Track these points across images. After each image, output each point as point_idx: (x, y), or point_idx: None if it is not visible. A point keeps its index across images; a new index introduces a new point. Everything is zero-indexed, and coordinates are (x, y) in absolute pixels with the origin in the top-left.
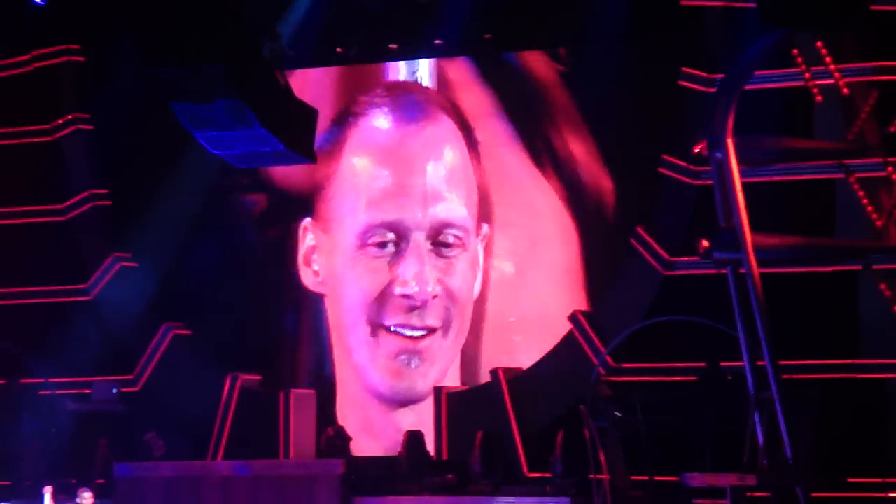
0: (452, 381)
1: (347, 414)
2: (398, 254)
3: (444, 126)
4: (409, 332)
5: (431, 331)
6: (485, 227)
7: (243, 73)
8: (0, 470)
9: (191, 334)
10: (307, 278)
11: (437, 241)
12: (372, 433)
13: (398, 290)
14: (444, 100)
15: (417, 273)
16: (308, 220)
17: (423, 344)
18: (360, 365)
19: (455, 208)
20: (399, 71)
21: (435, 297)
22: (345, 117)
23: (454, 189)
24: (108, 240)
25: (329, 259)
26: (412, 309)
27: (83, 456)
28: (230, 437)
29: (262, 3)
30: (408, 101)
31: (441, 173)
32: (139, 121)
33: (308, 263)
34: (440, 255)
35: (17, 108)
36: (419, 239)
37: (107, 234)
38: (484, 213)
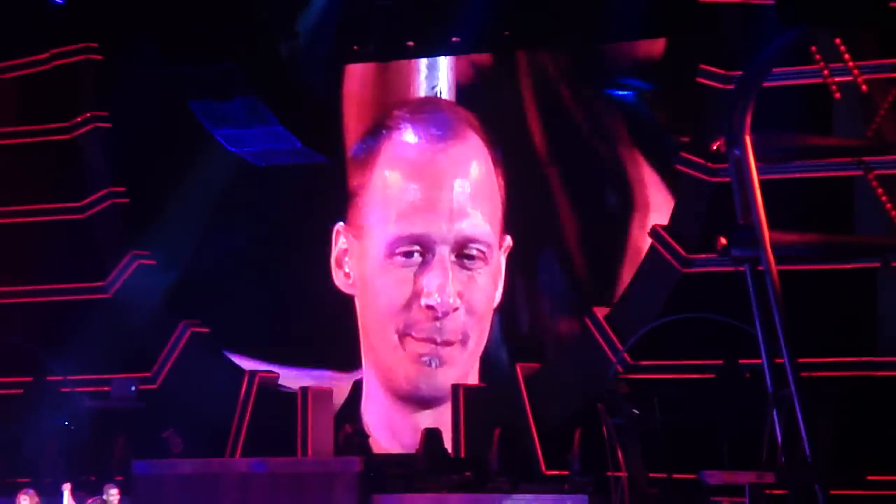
0: (472, 380)
1: (373, 415)
2: (424, 265)
3: (472, 143)
4: (430, 347)
5: (450, 343)
6: (507, 239)
7: (261, 71)
8: (21, 467)
9: (209, 332)
10: (339, 279)
11: (461, 254)
12: (393, 433)
13: (423, 301)
14: (472, 118)
15: (441, 285)
16: (341, 224)
17: (444, 350)
18: (386, 366)
19: (479, 224)
20: (420, 86)
21: (455, 309)
22: (378, 129)
23: (479, 205)
24: (126, 237)
25: (359, 264)
26: (435, 319)
27: (102, 453)
28: (248, 434)
29: (279, 2)
30: (438, 118)
31: (467, 190)
32: (157, 119)
33: (340, 265)
34: (463, 268)
35: (36, 106)
36: (444, 252)
37: (125, 232)
38: (507, 224)
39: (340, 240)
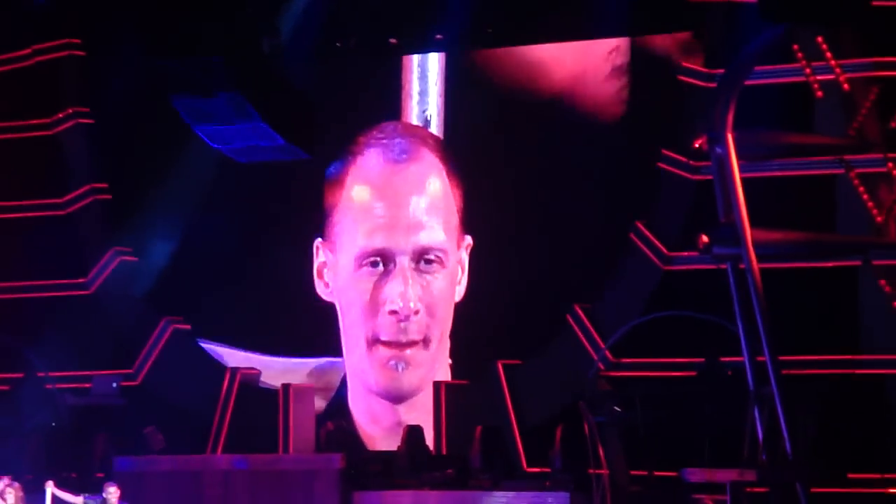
0: (443, 378)
1: (356, 403)
2: (386, 274)
3: (427, 161)
4: (396, 345)
5: (414, 343)
6: (467, 238)
7: (244, 67)
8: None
9: (191, 327)
10: (320, 289)
11: (419, 260)
12: (377, 423)
13: (387, 308)
14: (427, 136)
15: (402, 292)
16: (319, 239)
17: (409, 352)
18: (360, 368)
19: (435, 234)
20: (412, 111)
21: (416, 312)
22: (346, 155)
23: (434, 217)
24: (108, 234)
25: (335, 275)
26: (398, 321)
27: (83, 450)
28: (230, 431)
29: None
30: (395, 142)
31: (423, 205)
32: (139, 115)
33: (320, 276)
34: (421, 273)
35: (18, 101)
36: (404, 262)
37: (107, 229)
38: (466, 225)
39: (320, 254)
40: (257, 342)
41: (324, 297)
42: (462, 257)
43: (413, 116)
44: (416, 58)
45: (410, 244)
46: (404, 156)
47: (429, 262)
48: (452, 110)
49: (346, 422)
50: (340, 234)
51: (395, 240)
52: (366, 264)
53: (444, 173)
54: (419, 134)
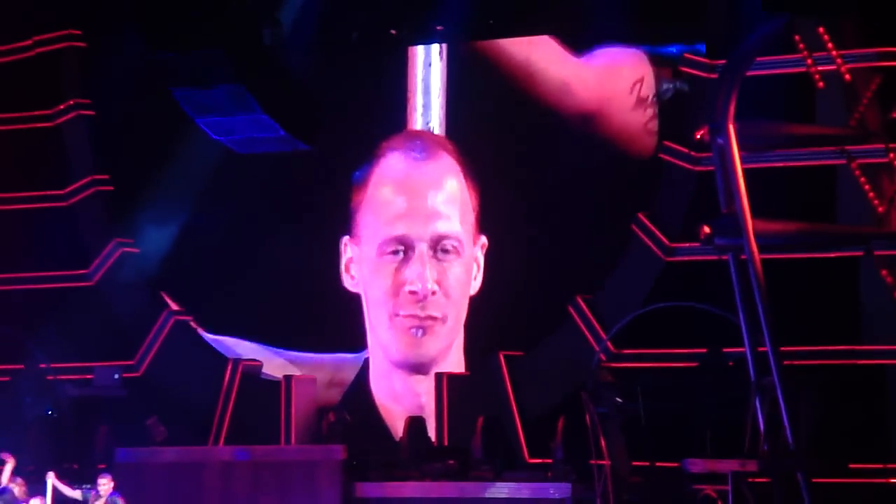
0: (457, 363)
1: (379, 384)
2: (406, 260)
3: (444, 162)
4: (415, 321)
5: (433, 318)
6: (483, 238)
7: (244, 58)
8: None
9: (193, 318)
10: (347, 282)
11: (437, 249)
12: (399, 402)
13: (407, 288)
14: (446, 142)
15: (420, 274)
16: (347, 237)
17: (427, 323)
18: (383, 341)
19: (451, 224)
20: (416, 121)
21: (434, 293)
22: (371, 158)
23: (451, 210)
24: (109, 225)
25: (360, 266)
26: (417, 302)
27: (85, 441)
28: (231, 422)
29: None
30: (416, 144)
31: (440, 198)
32: (140, 106)
33: (348, 271)
34: (439, 260)
35: (19, 93)
36: (422, 248)
37: (108, 220)
38: (482, 225)
39: (347, 250)
40: (263, 334)
41: (350, 289)
42: (477, 255)
43: (418, 124)
44: (419, 72)
45: (429, 232)
46: (424, 154)
47: (445, 250)
48: (454, 115)
49: (348, 413)
50: (364, 227)
51: (414, 228)
52: (388, 252)
53: (461, 174)
54: (438, 140)
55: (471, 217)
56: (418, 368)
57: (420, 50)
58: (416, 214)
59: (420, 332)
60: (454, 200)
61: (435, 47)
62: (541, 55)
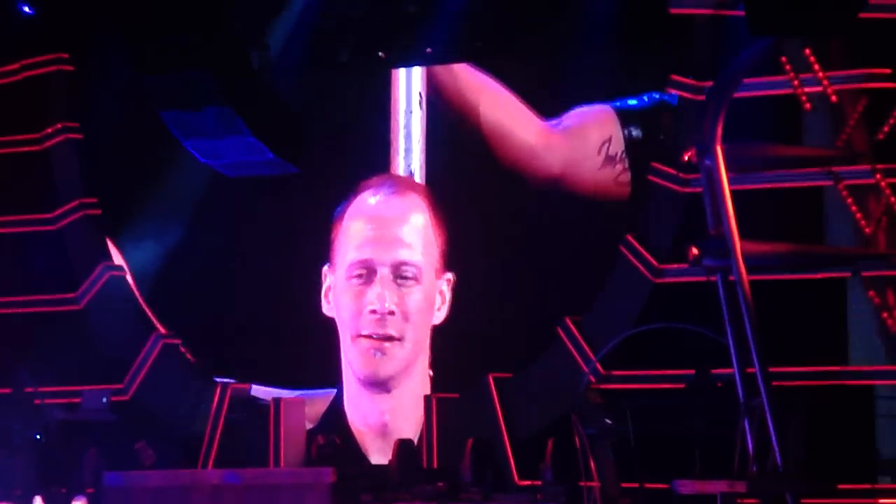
0: (423, 388)
1: (350, 405)
2: (368, 282)
3: (411, 199)
4: (375, 337)
5: (390, 338)
6: (448, 274)
7: (232, 81)
8: None
9: (180, 343)
10: (325, 308)
11: (398, 274)
12: (365, 420)
13: (367, 308)
14: (416, 184)
15: (379, 295)
16: (326, 265)
17: (386, 345)
18: (348, 359)
19: (412, 253)
20: (399, 165)
21: (392, 312)
22: (348, 196)
23: (414, 239)
24: (97, 249)
25: (334, 292)
26: (377, 321)
27: (73, 465)
28: (220, 445)
29: (250, 11)
30: (387, 182)
31: (404, 229)
32: (129, 129)
33: (326, 298)
34: (399, 285)
35: (6, 117)
36: (384, 272)
37: (97, 244)
38: (449, 264)
39: (326, 278)
40: (243, 365)
41: (327, 314)
42: (443, 288)
43: (400, 169)
44: (401, 119)
45: (390, 258)
46: (393, 191)
47: (405, 276)
48: (434, 160)
49: (337, 436)
50: (338, 255)
51: (378, 254)
52: (354, 275)
53: (427, 212)
54: (409, 181)
55: (435, 252)
56: (379, 386)
57: (402, 95)
58: (381, 241)
59: (379, 354)
60: (418, 233)
61: (415, 96)
62: (508, 118)
